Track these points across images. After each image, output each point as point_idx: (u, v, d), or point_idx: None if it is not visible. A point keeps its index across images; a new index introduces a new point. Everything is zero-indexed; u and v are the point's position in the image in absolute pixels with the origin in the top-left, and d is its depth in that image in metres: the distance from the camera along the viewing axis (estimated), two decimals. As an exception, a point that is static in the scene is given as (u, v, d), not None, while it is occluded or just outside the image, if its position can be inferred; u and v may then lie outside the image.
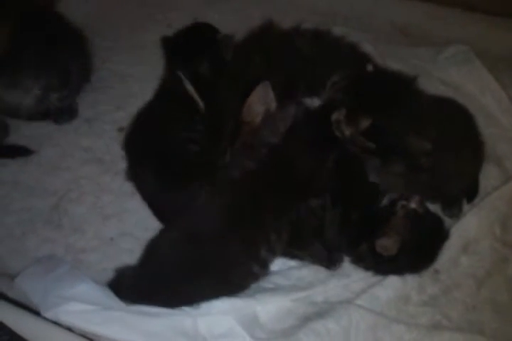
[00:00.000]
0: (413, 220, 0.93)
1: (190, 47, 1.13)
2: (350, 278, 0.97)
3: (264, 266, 0.91)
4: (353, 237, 0.95)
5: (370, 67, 0.95)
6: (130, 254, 1.03)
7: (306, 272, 0.98)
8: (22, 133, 1.23)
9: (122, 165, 1.13)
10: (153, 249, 0.93)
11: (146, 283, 0.90)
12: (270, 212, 0.88)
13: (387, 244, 0.90)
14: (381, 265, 0.94)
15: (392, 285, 0.95)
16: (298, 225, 0.91)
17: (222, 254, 0.87)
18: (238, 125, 1.01)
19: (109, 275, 0.98)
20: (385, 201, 0.96)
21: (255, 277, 0.92)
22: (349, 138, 0.89)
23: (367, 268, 0.96)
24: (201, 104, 1.08)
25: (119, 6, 1.65)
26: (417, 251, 0.93)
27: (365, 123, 0.86)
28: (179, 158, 1.03)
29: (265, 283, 0.96)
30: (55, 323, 0.84)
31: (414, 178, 0.93)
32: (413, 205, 0.93)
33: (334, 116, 0.89)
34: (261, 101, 0.98)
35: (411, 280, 0.96)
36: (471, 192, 1.09)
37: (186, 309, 0.89)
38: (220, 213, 0.89)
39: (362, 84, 0.92)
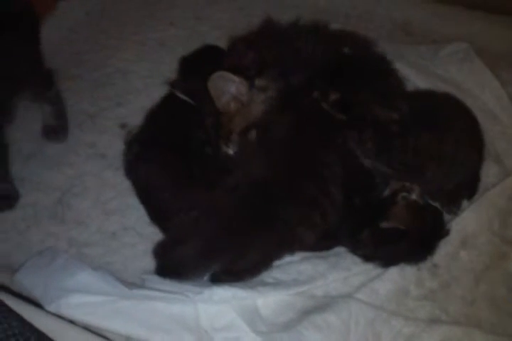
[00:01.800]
0: (414, 211, 0.95)
1: (197, 68, 1.15)
2: (350, 271, 0.98)
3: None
4: (355, 224, 0.97)
5: (346, 50, 1.03)
6: (132, 248, 1.05)
7: (306, 266, 0.99)
8: (25, 129, 1.23)
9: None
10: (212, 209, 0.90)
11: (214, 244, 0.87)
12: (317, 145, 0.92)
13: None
14: (381, 251, 0.96)
15: (392, 279, 0.96)
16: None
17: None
18: (218, 117, 1.03)
19: (112, 268, 1.00)
20: (386, 192, 0.97)
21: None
22: None
23: (365, 256, 0.98)
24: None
25: (122, 4, 1.67)
26: (416, 240, 0.94)
27: (333, 96, 0.94)
28: (196, 158, 1.04)
29: (265, 277, 0.97)
30: (59, 317, 0.85)
31: (385, 143, 0.96)
32: (414, 197, 0.96)
33: (314, 95, 0.96)
34: (220, 91, 1.00)
35: (410, 275, 0.97)
36: (471, 190, 1.10)
37: (189, 294, 0.89)
38: (273, 158, 0.91)
39: (335, 64, 1.00)
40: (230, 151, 1.03)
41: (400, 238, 0.93)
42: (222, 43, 1.20)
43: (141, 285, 0.93)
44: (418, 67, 1.35)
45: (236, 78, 0.99)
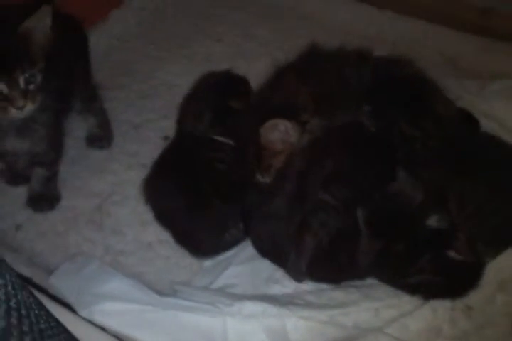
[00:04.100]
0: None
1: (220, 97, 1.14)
2: (383, 301, 0.96)
3: None
4: (398, 269, 0.95)
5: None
6: (166, 260, 1.07)
7: (338, 293, 0.97)
8: (73, 134, 1.26)
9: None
10: None
11: None
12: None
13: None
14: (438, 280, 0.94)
15: (423, 316, 0.94)
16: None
17: None
18: (259, 149, 1.02)
19: (144, 279, 1.00)
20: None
21: None
22: None
23: (413, 286, 0.95)
24: (230, 142, 1.09)
25: (173, 17, 1.70)
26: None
27: (366, 108, 1.03)
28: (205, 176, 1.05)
29: (296, 299, 0.96)
30: (91, 323, 0.86)
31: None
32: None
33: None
34: (274, 135, 1.00)
35: (443, 314, 0.95)
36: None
37: (219, 306, 0.89)
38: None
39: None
40: (266, 180, 1.03)
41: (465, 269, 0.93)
42: (266, 61, 1.23)
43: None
44: (463, 100, 1.34)
45: (289, 124, 0.99)
